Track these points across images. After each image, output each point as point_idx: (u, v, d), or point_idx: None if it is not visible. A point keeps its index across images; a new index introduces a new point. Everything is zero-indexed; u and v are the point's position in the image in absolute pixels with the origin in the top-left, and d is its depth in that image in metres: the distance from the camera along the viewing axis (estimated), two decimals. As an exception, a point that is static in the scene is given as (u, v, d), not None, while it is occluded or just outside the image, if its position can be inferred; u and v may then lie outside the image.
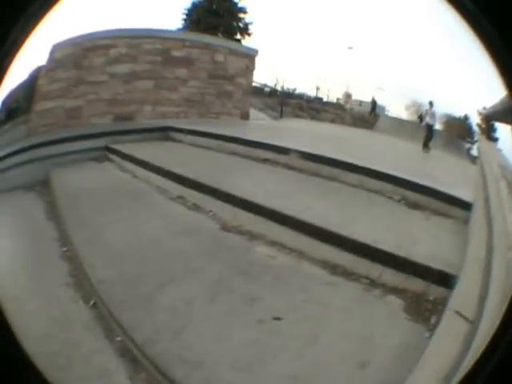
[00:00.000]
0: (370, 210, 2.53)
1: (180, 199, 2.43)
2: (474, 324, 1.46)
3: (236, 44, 6.68)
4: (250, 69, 5.71)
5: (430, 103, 7.64)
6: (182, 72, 5.11)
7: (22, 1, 0.70)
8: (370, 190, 2.78)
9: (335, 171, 2.92)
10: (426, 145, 5.95)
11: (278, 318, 2.12)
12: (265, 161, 3.19)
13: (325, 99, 8.42)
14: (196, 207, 2.43)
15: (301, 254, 2.08)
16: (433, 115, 6.61)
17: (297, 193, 2.63)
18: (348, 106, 8.24)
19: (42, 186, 3.10)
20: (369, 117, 7.75)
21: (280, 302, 1.74)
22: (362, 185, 2.80)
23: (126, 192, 2.69)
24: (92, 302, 1.76)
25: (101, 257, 1.90)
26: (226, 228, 2.28)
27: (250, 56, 5.69)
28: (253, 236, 2.22)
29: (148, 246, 2.01)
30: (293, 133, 4.98)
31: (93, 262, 1.86)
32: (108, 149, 3.52)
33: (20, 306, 1.64)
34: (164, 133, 3.99)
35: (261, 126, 5.60)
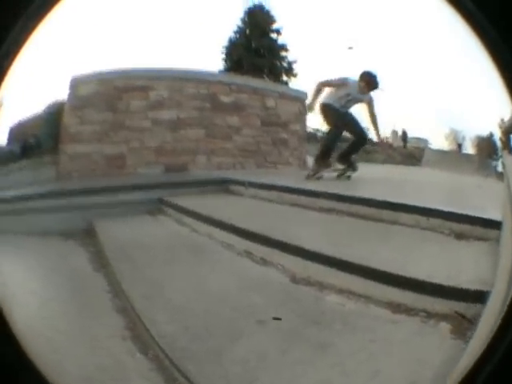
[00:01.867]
0: (424, 247, 2.65)
1: (246, 253, 2.40)
2: (474, 324, 1.46)
3: (284, 87, 6.37)
4: (302, 113, 5.48)
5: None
6: (233, 120, 4.86)
7: (22, 0, 0.71)
8: (424, 228, 2.86)
9: (394, 214, 2.98)
10: None
11: (277, 319, 2.12)
12: (329, 211, 3.13)
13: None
14: (263, 261, 2.40)
15: (368, 299, 2.15)
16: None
17: (361, 239, 2.71)
18: (396, 144, 8.08)
19: (84, 236, 2.97)
20: (416, 153, 7.61)
21: (349, 345, 1.78)
22: (419, 224, 2.88)
23: (186, 246, 2.60)
24: (151, 354, 1.68)
25: (162, 312, 1.82)
26: (295, 280, 2.29)
27: (300, 99, 5.42)
28: (322, 286, 2.24)
29: (214, 300, 1.95)
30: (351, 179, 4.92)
31: (153, 317, 1.78)
32: (162, 201, 3.36)
33: (56, 348, 1.59)
34: (222, 185, 3.75)
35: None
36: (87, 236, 2.97)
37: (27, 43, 0.74)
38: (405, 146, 7.54)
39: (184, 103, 4.53)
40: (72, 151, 4.34)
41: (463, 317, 1.98)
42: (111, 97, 4.35)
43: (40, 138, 5.75)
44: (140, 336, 1.75)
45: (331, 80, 4.63)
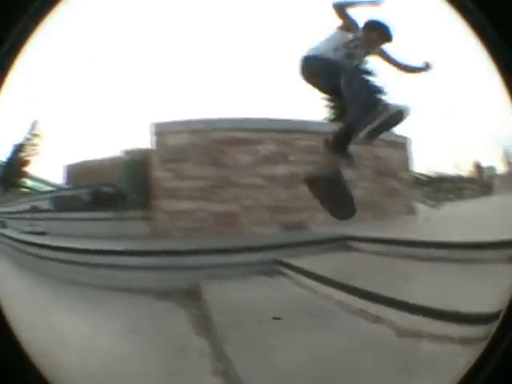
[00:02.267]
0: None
1: (360, 312, 2.32)
2: (473, 324, 1.46)
3: (389, 134, 6.18)
4: (407, 160, 5.32)
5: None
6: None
7: (23, 1, 0.71)
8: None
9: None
10: None
11: (277, 318, 2.12)
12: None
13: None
14: (375, 318, 2.34)
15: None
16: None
17: (467, 286, 2.58)
18: (479, 177, 7.95)
19: (183, 296, 2.81)
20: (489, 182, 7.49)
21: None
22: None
23: (299, 309, 2.51)
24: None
25: (265, 376, 1.78)
26: (402, 334, 2.24)
27: (403, 146, 5.22)
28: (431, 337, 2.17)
29: (322, 364, 1.89)
30: (458, 222, 4.46)
31: (254, 381, 1.73)
32: (277, 262, 3.09)
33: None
34: (340, 242, 3.44)
35: (429, 220, 5.07)
36: (187, 297, 2.77)
37: (27, 43, 0.74)
38: (481, 177, 7.24)
39: (294, 157, 4.16)
40: (170, 208, 4.03)
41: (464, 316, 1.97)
42: (210, 150, 4.02)
43: (120, 188, 5.54)
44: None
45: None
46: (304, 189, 4.18)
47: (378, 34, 3.06)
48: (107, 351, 1.99)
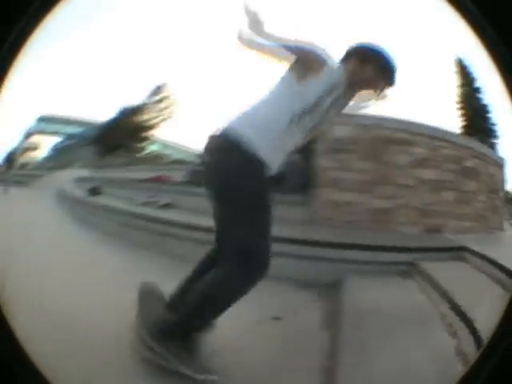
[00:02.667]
0: None
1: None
2: (473, 324, 1.46)
3: (490, 151, 6.08)
4: (504, 179, 5.58)
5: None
6: (471, 185, 4.69)
7: (23, 1, 0.71)
8: None
9: None
10: None
11: (277, 318, 2.13)
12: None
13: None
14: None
15: None
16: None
17: None
18: None
19: (324, 289, 2.73)
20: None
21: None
22: None
23: (414, 317, 2.44)
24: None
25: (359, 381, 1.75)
26: None
27: (502, 165, 5.56)
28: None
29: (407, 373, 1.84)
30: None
31: None
32: (413, 265, 3.01)
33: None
34: (458, 252, 3.30)
35: None
36: (326, 290, 2.68)
37: (27, 44, 0.75)
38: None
39: (439, 164, 4.35)
40: (331, 197, 4.06)
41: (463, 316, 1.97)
42: (373, 146, 4.12)
43: (288, 174, 5.60)
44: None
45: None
46: (443, 195, 4.30)
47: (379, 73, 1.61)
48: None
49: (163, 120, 17.69)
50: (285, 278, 2.69)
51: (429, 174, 4.25)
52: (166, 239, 3.72)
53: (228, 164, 1.42)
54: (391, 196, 4.06)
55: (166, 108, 17.53)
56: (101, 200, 6.21)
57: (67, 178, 11.20)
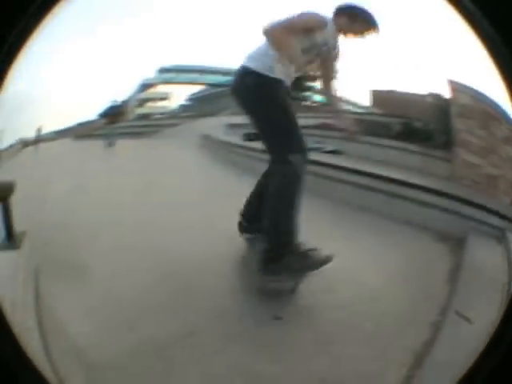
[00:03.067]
0: None
1: None
2: (473, 324, 1.46)
3: None
4: None
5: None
6: None
7: (22, 1, 0.71)
8: None
9: None
10: None
11: (279, 318, 2.13)
12: None
13: None
14: None
15: None
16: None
17: None
18: None
19: (455, 244, 2.87)
20: None
21: None
22: None
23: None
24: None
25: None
26: None
27: None
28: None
29: None
30: None
31: None
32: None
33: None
34: None
35: None
36: (457, 244, 2.80)
37: (28, 45, 0.75)
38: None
39: None
40: (463, 158, 4.43)
41: (464, 318, 1.97)
42: (482, 116, 4.29)
43: (430, 127, 5.66)
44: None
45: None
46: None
47: (358, 19, 2.24)
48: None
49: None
50: (427, 229, 2.98)
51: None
52: (332, 184, 3.95)
53: (248, 86, 2.12)
54: (497, 165, 4.20)
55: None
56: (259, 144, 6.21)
57: (214, 125, 10.83)
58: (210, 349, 1.57)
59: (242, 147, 6.12)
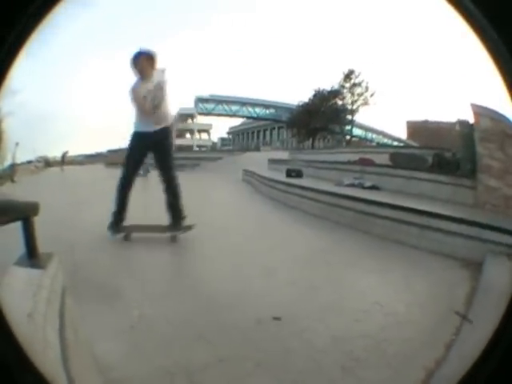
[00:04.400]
0: None
1: None
2: (473, 324, 1.46)
3: None
4: None
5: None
6: None
7: (22, 1, 0.71)
8: None
9: None
10: None
11: (277, 318, 2.13)
12: None
13: None
14: None
15: None
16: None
17: None
18: None
19: (475, 268, 2.94)
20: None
21: None
22: None
23: None
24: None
25: None
26: None
27: None
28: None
29: None
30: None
31: None
32: None
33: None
34: None
35: None
36: (477, 269, 2.90)
37: (27, 45, 0.74)
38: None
39: None
40: (486, 183, 4.57)
41: (464, 317, 1.98)
42: (500, 138, 4.52)
43: (458, 156, 6.15)
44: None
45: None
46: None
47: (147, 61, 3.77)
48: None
49: (362, 105, 18.19)
50: (453, 257, 3.14)
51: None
52: (370, 219, 4.13)
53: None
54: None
55: (362, 93, 18.07)
56: (303, 181, 6.37)
57: (255, 159, 10.92)
58: (240, 374, 1.62)
59: (282, 183, 6.38)
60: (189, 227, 3.73)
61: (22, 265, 1.44)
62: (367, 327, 2.00)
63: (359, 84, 18.52)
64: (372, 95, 18.08)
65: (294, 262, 3.19)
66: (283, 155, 11.97)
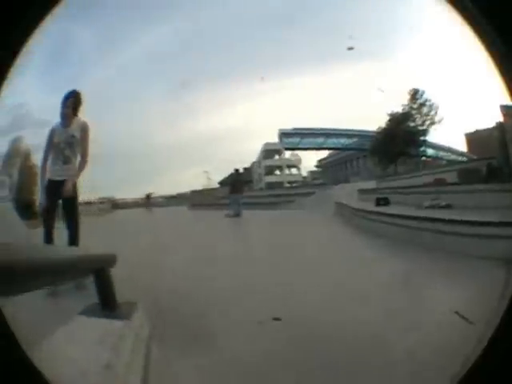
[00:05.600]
0: None
1: None
2: (473, 324, 1.46)
3: None
4: None
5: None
6: None
7: (22, 2, 0.71)
8: None
9: None
10: None
11: (277, 319, 2.12)
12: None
13: None
14: None
15: None
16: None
17: None
18: None
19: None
20: None
21: None
22: None
23: None
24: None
25: None
26: None
27: None
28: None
29: None
30: None
31: None
32: None
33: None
34: None
35: None
36: None
37: (28, 45, 0.74)
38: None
39: None
40: None
41: (463, 317, 1.97)
42: None
43: (501, 163, 6.47)
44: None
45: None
46: None
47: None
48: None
49: (430, 124, 18.33)
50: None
51: None
52: (451, 238, 4.22)
53: None
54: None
55: (429, 112, 18.17)
56: (391, 209, 6.62)
57: (345, 191, 11.07)
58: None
59: (374, 213, 6.50)
60: None
61: (93, 314, 1.42)
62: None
63: (424, 103, 18.58)
64: (436, 112, 18.21)
65: (381, 286, 3.18)
66: (371, 184, 12.26)
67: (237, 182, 11.42)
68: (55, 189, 3.41)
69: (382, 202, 7.46)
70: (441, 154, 20.92)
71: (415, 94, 18.75)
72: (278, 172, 19.22)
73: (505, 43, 0.72)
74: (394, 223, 5.51)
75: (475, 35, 0.76)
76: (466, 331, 1.92)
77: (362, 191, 10.57)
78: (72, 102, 3.41)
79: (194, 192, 14.76)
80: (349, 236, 6.32)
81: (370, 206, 7.31)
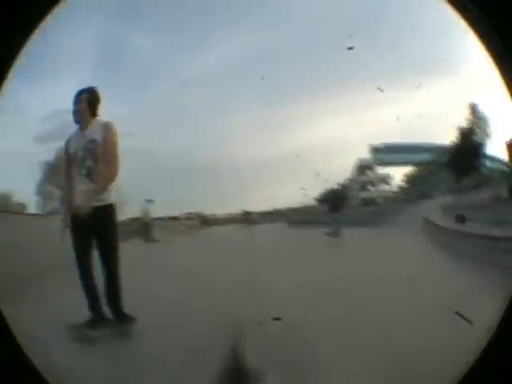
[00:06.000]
0: None
1: None
2: (473, 324, 1.46)
3: None
4: None
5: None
6: None
7: (23, 3, 0.71)
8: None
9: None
10: None
11: (277, 319, 2.12)
12: None
13: None
14: None
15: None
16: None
17: None
18: None
19: None
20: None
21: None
22: None
23: None
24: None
25: None
26: None
27: None
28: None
29: None
30: None
31: None
32: None
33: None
34: None
35: None
36: None
37: (27, 45, 0.74)
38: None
39: None
40: None
41: (463, 317, 1.97)
42: None
43: None
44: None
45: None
46: None
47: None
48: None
49: (486, 136, 18.35)
50: None
51: None
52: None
53: None
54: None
55: (485, 125, 18.18)
56: (468, 227, 6.36)
57: (431, 207, 10.86)
58: None
59: (455, 231, 6.22)
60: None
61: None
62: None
63: (483, 117, 18.68)
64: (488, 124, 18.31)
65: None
66: (449, 199, 12.21)
67: (336, 200, 11.10)
68: (83, 221, 2.33)
69: (459, 219, 7.63)
70: (497, 165, 20.97)
71: (475, 108, 18.78)
72: (371, 188, 19.40)
73: (504, 44, 0.72)
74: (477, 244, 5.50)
75: (475, 35, 0.76)
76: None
77: (445, 208, 10.51)
78: (86, 97, 2.61)
79: (292, 209, 14.60)
80: (433, 256, 6.25)
81: (450, 223, 7.18)
